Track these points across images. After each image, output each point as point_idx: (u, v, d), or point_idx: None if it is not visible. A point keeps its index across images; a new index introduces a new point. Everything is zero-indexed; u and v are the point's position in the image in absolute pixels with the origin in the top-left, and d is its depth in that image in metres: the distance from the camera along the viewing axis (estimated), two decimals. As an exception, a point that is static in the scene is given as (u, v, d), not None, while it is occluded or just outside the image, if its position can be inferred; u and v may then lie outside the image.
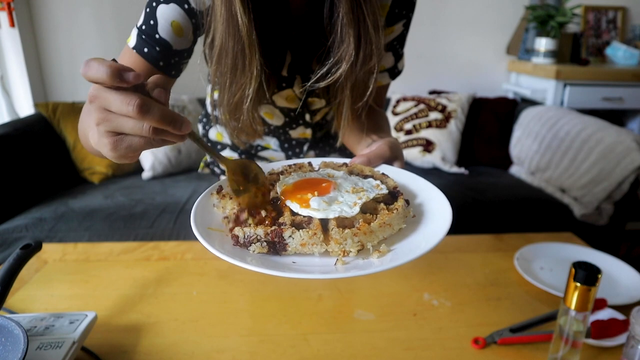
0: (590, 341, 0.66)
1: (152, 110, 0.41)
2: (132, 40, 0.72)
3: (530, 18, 2.43)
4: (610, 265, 0.89)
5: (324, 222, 0.48)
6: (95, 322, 0.65)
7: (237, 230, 0.47)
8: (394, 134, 2.37)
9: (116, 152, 0.44)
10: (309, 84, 0.73)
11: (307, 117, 0.91)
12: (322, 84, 0.71)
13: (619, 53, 2.54)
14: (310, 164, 0.64)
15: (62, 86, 2.43)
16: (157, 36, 0.70)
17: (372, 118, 0.84)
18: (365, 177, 0.59)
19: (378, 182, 0.56)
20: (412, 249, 0.46)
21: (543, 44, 2.38)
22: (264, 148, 1.02)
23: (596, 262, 0.59)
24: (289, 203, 0.51)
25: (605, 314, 0.73)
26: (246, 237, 0.47)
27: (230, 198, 0.53)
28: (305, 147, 0.99)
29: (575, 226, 1.82)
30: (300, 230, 0.46)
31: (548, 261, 0.92)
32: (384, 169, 0.63)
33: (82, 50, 2.39)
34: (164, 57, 0.71)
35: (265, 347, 0.68)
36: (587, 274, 0.56)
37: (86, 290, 0.82)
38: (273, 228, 0.47)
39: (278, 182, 0.56)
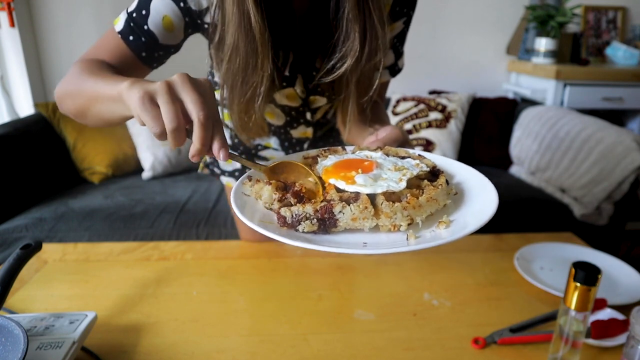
0: (590, 341, 0.66)
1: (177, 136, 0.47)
2: (119, 24, 0.72)
3: (530, 18, 2.43)
4: (610, 265, 0.89)
5: (371, 198, 0.48)
6: (95, 322, 0.65)
7: (284, 211, 0.47)
8: (394, 134, 2.37)
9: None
10: (316, 78, 0.73)
11: (308, 115, 0.91)
12: (328, 79, 0.71)
13: (619, 53, 2.54)
14: (344, 147, 0.64)
15: (62, 86, 2.43)
16: (145, 27, 0.70)
17: (374, 112, 0.85)
18: (403, 158, 0.59)
19: (417, 161, 0.57)
20: (474, 217, 0.47)
21: (543, 44, 2.38)
22: (265, 147, 1.02)
23: (596, 262, 0.59)
24: (333, 181, 0.50)
25: (605, 314, 0.73)
26: (294, 216, 0.46)
27: (269, 183, 0.53)
28: (305, 146, 0.99)
29: (575, 226, 1.82)
30: (351, 205, 0.46)
31: (548, 261, 0.92)
32: (418, 151, 0.64)
33: (82, 51, 2.38)
34: (148, 48, 0.71)
35: (265, 347, 0.68)
36: (587, 274, 0.56)
37: (86, 290, 0.82)
38: (323, 204, 0.47)
39: (317, 165, 0.56)
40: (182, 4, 0.69)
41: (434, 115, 2.33)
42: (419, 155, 0.61)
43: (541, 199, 1.95)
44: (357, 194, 0.49)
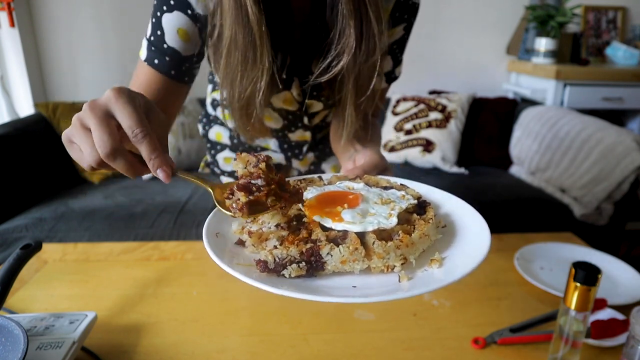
0: (590, 341, 0.66)
1: (117, 160, 0.45)
2: (143, 53, 0.73)
3: (530, 18, 2.43)
4: (610, 265, 0.89)
5: (359, 237, 0.44)
6: (95, 322, 0.65)
7: (265, 255, 0.42)
8: (394, 133, 2.37)
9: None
10: (312, 78, 0.72)
11: (306, 120, 0.90)
12: (324, 78, 0.70)
13: (619, 53, 2.54)
14: (320, 177, 0.60)
15: (62, 86, 2.43)
16: (165, 46, 0.71)
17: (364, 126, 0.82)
18: (385, 188, 0.56)
19: (402, 192, 0.53)
20: (468, 254, 0.43)
21: (543, 44, 2.38)
22: (263, 149, 1.01)
23: (596, 262, 0.59)
24: (317, 218, 0.46)
25: (605, 314, 0.73)
26: (277, 260, 0.42)
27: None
28: (304, 149, 0.99)
29: (575, 226, 1.82)
30: (340, 246, 0.42)
31: (548, 261, 0.92)
32: (400, 180, 0.61)
33: (82, 50, 2.39)
34: (174, 65, 0.72)
35: (265, 347, 0.68)
36: (587, 274, 0.56)
37: (86, 290, 0.82)
38: (309, 246, 0.42)
39: None
40: (189, 12, 0.69)
41: (434, 115, 2.33)
42: (401, 184, 0.57)
43: (541, 199, 1.95)
44: (345, 232, 0.44)
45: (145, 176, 2.09)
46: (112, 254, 0.95)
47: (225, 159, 1.05)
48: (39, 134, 2.05)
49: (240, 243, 0.48)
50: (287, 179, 0.51)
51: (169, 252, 0.96)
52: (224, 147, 1.04)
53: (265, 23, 0.65)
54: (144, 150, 0.46)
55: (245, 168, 0.47)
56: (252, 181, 0.45)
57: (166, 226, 1.73)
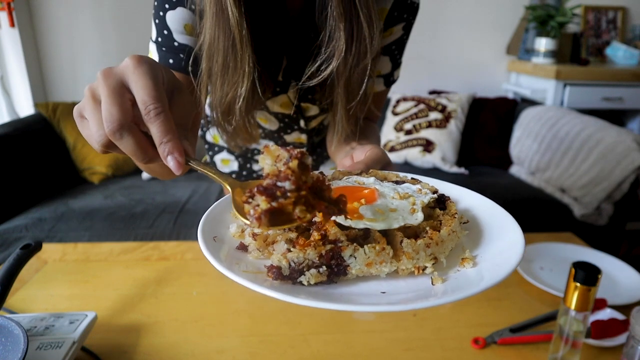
0: (590, 341, 0.66)
1: (123, 138, 0.39)
2: (154, 57, 0.71)
3: (530, 18, 2.43)
4: (610, 265, 0.89)
5: (382, 235, 0.40)
6: (95, 322, 0.65)
7: (277, 260, 0.37)
8: (394, 134, 2.37)
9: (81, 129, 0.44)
10: (300, 82, 0.70)
11: (302, 123, 0.90)
12: (314, 82, 0.68)
13: (619, 53, 2.54)
14: (322, 173, 0.53)
15: (62, 86, 2.43)
16: (175, 44, 0.69)
17: (361, 129, 0.81)
18: (397, 182, 0.52)
19: (418, 186, 0.49)
20: (503, 252, 0.40)
21: (543, 44, 2.38)
22: (260, 152, 1.01)
23: (596, 262, 0.59)
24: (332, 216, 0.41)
25: (605, 314, 0.73)
26: (293, 265, 0.37)
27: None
28: None
29: (575, 226, 1.82)
30: (365, 247, 0.37)
31: (548, 261, 0.92)
32: (409, 175, 0.57)
33: (82, 50, 2.39)
34: (189, 61, 0.70)
35: (265, 347, 0.68)
36: (587, 274, 0.56)
37: (86, 290, 0.82)
38: (329, 247, 0.37)
39: None
40: (193, 7, 0.69)
41: (434, 115, 2.33)
42: (413, 178, 0.53)
43: (541, 199, 1.95)
44: (367, 231, 0.40)
45: (145, 176, 2.09)
46: (112, 254, 0.95)
47: (223, 161, 1.05)
48: (39, 134, 2.05)
49: (242, 247, 0.43)
50: (327, 183, 0.40)
51: (169, 252, 0.96)
52: (221, 148, 1.04)
53: (250, 27, 0.63)
54: (155, 130, 0.39)
55: (275, 165, 0.37)
56: (279, 183, 0.36)
57: (166, 226, 1.73)
